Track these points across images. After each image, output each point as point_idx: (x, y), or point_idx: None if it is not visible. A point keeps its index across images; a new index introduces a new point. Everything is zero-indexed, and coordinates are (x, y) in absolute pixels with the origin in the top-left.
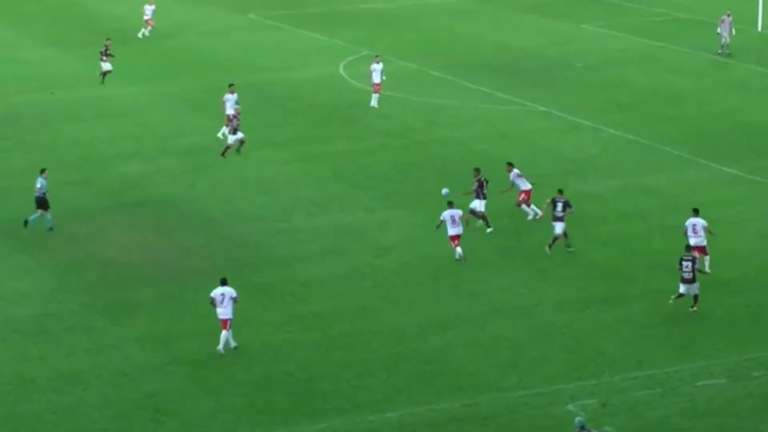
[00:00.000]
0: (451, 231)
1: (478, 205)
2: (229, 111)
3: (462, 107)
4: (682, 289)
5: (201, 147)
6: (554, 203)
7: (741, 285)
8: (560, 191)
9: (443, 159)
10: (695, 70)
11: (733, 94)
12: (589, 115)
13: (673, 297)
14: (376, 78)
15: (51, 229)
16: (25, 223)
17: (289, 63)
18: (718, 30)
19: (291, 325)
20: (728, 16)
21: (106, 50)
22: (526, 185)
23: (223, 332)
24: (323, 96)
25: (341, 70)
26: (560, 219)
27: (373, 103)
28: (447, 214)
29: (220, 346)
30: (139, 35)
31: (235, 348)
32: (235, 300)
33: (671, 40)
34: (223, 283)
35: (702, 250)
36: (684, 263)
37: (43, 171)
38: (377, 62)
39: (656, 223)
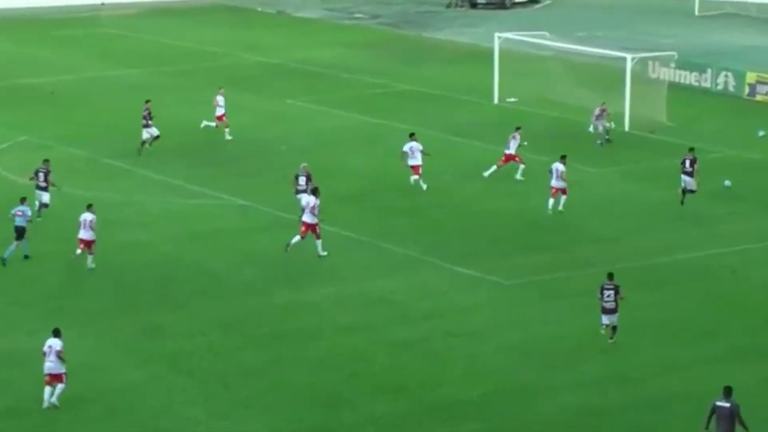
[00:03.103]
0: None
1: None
2: None
3: (146, 203)
4: (604, 320)
5: None
6: (684, 162)
7: (480, 408)
8: (691, 149)
9: (123, 266)
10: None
11: (462, 178)
12: (293, 210)
13: (603, 329)
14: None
15: (27, 257)
16: (3, 261)
17: None
18: (593, 126)
19: None
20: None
21: (148, 114)
22: None
23: (47, 389)
24: None
25: None
26: (690, 174)
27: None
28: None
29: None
30: (207, 125)
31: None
32: (58, 354)
33: (393, 117)
34: (56, 334)
35: (563, 191)
36: (606, 292)
37: (24, 200)
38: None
39: (381, 337)
